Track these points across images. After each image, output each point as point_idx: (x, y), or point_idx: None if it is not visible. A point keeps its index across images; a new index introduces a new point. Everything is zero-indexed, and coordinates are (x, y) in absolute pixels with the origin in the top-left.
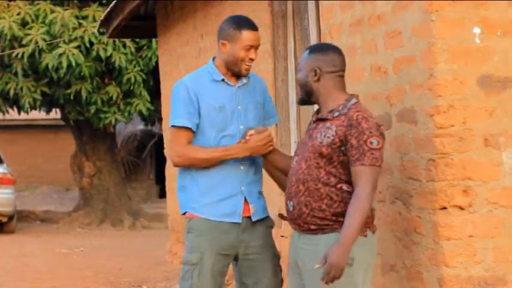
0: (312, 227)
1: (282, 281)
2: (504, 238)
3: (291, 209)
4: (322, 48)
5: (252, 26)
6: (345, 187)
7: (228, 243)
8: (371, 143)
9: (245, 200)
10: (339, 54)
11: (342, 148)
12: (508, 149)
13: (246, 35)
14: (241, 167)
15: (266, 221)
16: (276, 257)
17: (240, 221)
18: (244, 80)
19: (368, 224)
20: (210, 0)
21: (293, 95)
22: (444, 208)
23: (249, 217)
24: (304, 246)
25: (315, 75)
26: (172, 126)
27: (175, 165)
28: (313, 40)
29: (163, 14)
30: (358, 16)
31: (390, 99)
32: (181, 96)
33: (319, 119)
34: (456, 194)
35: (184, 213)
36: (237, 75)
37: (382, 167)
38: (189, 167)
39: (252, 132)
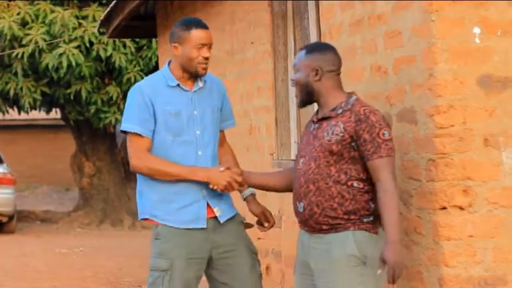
0: (324, 227)
1: (260, 275)
2: (504, 238)
3: (301, 210)
4: (320, 48)
5: (201, 25)
6: (355, 184)
7: (198, 247)
8: (383, 134)
9: (208, 204)
10: (336, 53)
11: (353, 144)
12: (508, 149)
13: (195, 33)
14: None
15: (235, 217)
16: (251, 251)
17: (205, 226)
18: (200, 84)
19: (379, 221)
20: (210, 0)
21: (293, 95)
22: (444, 208)
23: (215, 217)
24: (317, 245)
25: (316, 74)
26: (123, 131)
27: (133, 170)
28: (314, 40)
29: (163, 14)
30: (358, 16)
31: (390, 99)
32: (136, 101)
33: (322, 119)
34: (456, 194)
35: (143, 219)
36: (195, 78)
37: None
38: (146, 175)
39: (222, 168)
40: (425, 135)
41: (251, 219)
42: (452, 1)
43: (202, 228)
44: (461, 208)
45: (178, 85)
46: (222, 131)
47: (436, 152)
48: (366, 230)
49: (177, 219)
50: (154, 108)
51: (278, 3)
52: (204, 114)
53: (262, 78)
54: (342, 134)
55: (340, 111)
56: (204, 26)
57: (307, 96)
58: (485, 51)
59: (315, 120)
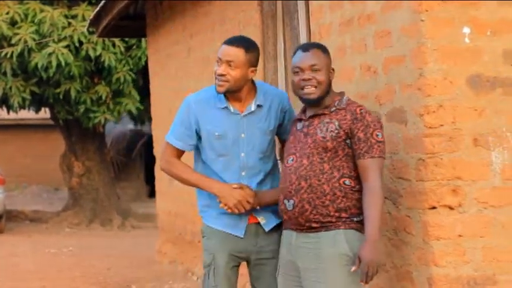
0: (314, 224)
1: None
2: (493, 238)
3: (291, 208)
4: (327, 49)
5: (228, 41)
6: (347, 182)
7: (241, 247)
8: (377, 135)
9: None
10: None
11: (347, 141)
12: (497, 148)
13: (220, 48)
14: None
15: (279, 225)
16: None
17: (242, 235)
18: (253, 108)
19: None
20: (199, 0)
21: None
22: (434, 208)
23: (259, 223)
24: (305, 244)
25: (332, 74)
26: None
27: (162, 170)
28: (303, 40)
29: (152, 13)
30: (347, 16)
31: (380, 99)
32: (182, 115)
33: (314, 116)
34: (446, 193)
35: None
36: (249, 97)
37: None
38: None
39: (236, 186)
40: (414, 135)
41: None
42: (442, 1)
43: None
44: (450, 208)
45: (226, 108)
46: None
47: (425, 152)
48: (356, 230)
49: (215, 221)
50: (199, 127)
51: (268, 3)
52: (252, 138)
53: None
54: (337, 131)
55: (333, 109)
56: (229, 43)
57: (323, 96)
58: (475, 51)
59: (304, 118)
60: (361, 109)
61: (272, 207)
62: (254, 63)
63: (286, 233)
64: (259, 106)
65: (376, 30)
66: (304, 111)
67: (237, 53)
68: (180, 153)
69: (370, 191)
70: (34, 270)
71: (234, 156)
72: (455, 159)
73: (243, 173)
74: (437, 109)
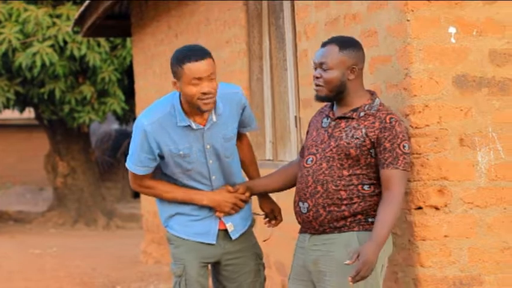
0: (328, 229)
1: (264, 279)
2: (479, 238)
3: (305, 211)
4: (354, 44)
5: (194, 57)
6: (366, 187)
7: (209, 253)
8: (403, 147)
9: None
10: (363, 49)
11: (371, 150)
12: (483, 148)
13: (189, 68)
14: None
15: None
16: (257, 256)
17: (214, 242)
18: (214, 119)
19: None
20: (184, 0)
21: (268, 93)
22: (419, 208)
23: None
24: (318, 247)
25: (352, 73)
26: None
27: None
28: (289, 39)
29: (137, 13)
30: (333, 15)
31: None
32: (140, 141)
33: (342, 117)
34: (432, 194)
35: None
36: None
37: None
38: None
39: (222, 189)
40: None
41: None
42: (428, 1)
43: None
44: (436, 208)
45: (189, 126)
46: (244, 133)
47: (411, 152)
48: (370, 231)
49: (185, 230)
50: (160, 149)
51: (253, 2)
52: (217, 145)
53: (238, 77)
54: (362, 139)
55: (362, 114)
56: (198, 57)
57: (336, 95)
58: (461, 51)
59: (332, 116)
60: (391, 117)
61: (241, 213)
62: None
63: (300, 237)
64: (219, 115)
65: (362, 29)
66: (332, 106)
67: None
68: (150, 175)
69: (389, 200)
70: (18, 270)
71: (201, 166)
72: (441, 159)
73: (214, 177)
74: (423, 109)
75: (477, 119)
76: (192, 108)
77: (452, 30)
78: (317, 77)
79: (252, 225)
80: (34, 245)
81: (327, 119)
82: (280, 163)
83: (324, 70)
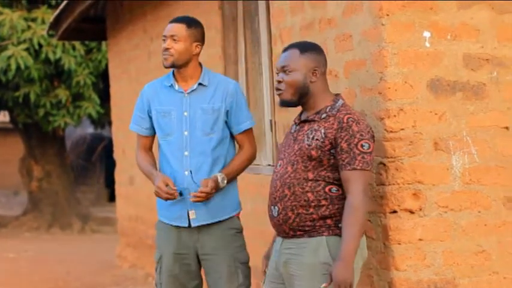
0: (298, 232)
1: (242, 285)
2: (453, 242)
3: (276, 214)
4: (315, 48)
5: (172, 20)
6: (334, 189)
7: (183, 243)
8: (362, 146)
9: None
10: (324, 53)
11: (332, 151)
12: (457, 152)
13: (165, 28)
14: (186, 173)
15: (226, 223)
16: (236, 260)
17: (187, 225)
18: (194, 86)
19: None
20: (160, 1)
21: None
22: (394, 212)
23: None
24: (289, 250)
25: (314, 75)
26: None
27: None
28: (264, 43)
29: (113, 16)
30: (308, 19)
31: None
32: (138, 101)
33: (305, 121)
34: (406, 197)
35: None
36: (195, 77)
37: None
38: None
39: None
40: (375, 139)
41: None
42: (403, 5)
43: (183, 228)
44: (411, 212)
45: (171, 85)
46: (241, 134)
47: (386, 156)
48: (340, 236)
49: (166, 214)
50: (150, 108)
51: (228, 6)
52: (195, 115)
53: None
54: (322, 140)
55: (324, 115)
56: (172, 20)
57: (299, 98)
58: (435, 55)
59: (297, 121)
60: (348, 117)
61: (209, 206)
62: (198, 39)
63: (276, 240)
64: (202, 85)
65: (337, 34)
66: (301, 113)
67: (180, 28)
68: (145, 142)
69: (349, 207)
70: None
71: (177, 135)
72: (415, 163)
73: (186, 153)
74: (397, 113)
75: (451, 123)
76: (179, 72)
77: (426, 34)
78: (279, 81)
79: (234, 228)
80: (9, 249)
81: (295, 125)
82: (255, 167)
83: (286, 73)
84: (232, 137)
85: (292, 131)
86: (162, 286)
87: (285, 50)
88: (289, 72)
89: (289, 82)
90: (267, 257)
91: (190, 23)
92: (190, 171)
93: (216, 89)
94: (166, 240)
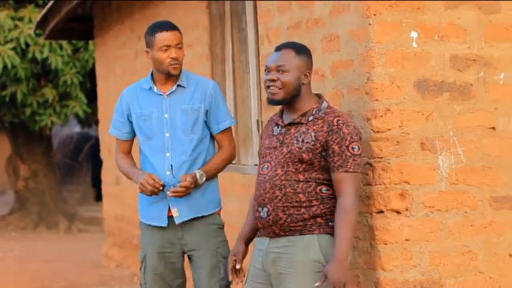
0: (289, 232)
1: (223, 279)
2: (440, 242)
3: (265, 215)
4: (307, 50)
5: (165, 27)
6: (324, 189)
7: (167, 241)
8: (352, 148)
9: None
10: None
11: (323, 153)
12: (444, 153)
13: (160, 37)
14: (167, 172)
15: (208, 219)
16: (218, 254)
17: (165, 225)
18: (173, 88)
19: None
20: (147, 1)
21: (231, 96)
22: (381, 212)
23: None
24: (278, 249)
25: (306, 77)
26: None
27: None
28: (251, 42)
29: (100, 15)
30: (296, 19)
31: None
32: (117, 105)
33: (291, 124)
34: (393, 197)
35: None
36: (176, 79)
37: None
38: None
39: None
40: (362, 139)
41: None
42: (390, 5)
43: (165, 227)
44: (397, 212)
45: (150, 88)
46: (220, 133)
47: (373, 156)
48: (331, 235)
49: (145, 215)
50: (130, 112)
51: (216, 5)
52: (175, 117)
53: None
54: (313, 143)
55: (311, 118)
56: (169, 28)
57: (290, 99)
58: (422, 55)
59: (281, 124)
60: (338, 120)
61: (190, 202)
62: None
63: (258, 240)
64: (181, 86)
65: (324, 34)
66: (281, 114)
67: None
68: (125, 145)
69: (341, 209)
70: None
71: (159, 138)
72: (402, 163)
73: (168, 154)
74: (384, 113)
75: (438, 123)
76: (160, 74)
77: (414, 34)
78: (273, 80)
79: (216, 224)
80: None
81: (277, 127)
82: (242, 167)
83: (281, 73)
84: (212, 136)
85: (276, 133)
86: (146, 286)
87: (279, 49)
88: (284, 72)
89: (285, 82)
90: (237, 254)
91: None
92: (172, 171)
93: (195, 90)
94: (149, 239)
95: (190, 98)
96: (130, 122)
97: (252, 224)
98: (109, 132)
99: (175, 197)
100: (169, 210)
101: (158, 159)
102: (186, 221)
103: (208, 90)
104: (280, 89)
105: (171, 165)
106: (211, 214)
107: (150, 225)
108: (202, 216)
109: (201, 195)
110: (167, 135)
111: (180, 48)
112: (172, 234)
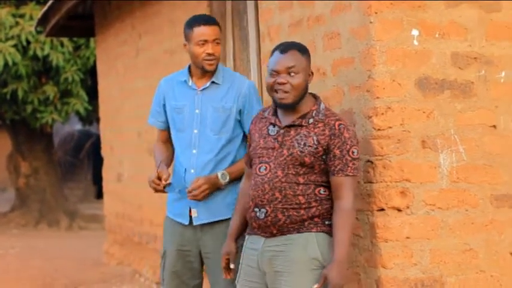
0: (286, 231)
1: None
2: (441, 240)
3: (262, 216)
4: (307, 49)
5: (203, 22)
6: (322, 191)
7: (186, 240)
8: (352, 152)
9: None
10: None
11: (324, 157)
12: (445, 151)
13: (197, 31)
14: (192, 171)
15: (228, 223)
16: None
17: (187, 223)
18: (207, 84)
19: None
20: (148, 0)
21: None
22: (382, 210)
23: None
24: (274, 248)
25: (310, 78)
26: None
27: None
28: (252, 40)
29: (101, 13)
30: (297, 17)
31: (329, 101)
32: (155, 94)
33: (290, 126)
34: (394, 195)
35: None
36: (211, 75)
37: None
38: None
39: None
40: (363, 137)
41: None
42: (391, 3)
43: (186, 225)
44: (398, 210)
45: (185, 81)
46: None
47: (374, 154)
48: (327, 233)
49: (171, 210)
50: (165, 103)
51: (217, 3)
52: (206, 115)
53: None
54: (315, 146)
55: (311, 120)
56: (206, 23)
57: (299, 101)
58: (423, 53)
59: (279, 124)
60: (339, 124)
61: (209, 204)
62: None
63: (252, 239)
64: (215, 83)
65: (325, 31)
66: (275, 113)
67: None
68: (163, 134)
69: (341, 211)
70: None
71: (188, 133)
72: (403, 161)
73: (194, 151)
74: (385, 111)
75: (439, 121)
76: (197, 69)
77: (415, 32)
78: (283, 83)
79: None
80: None
81: (274, 127)
82: None
83: (292, 75)
84: (245, 136)
85: (272, 133)
86: (164, 282)
87: (285, 51)
88: (295, 74)
89: (296, 85)
90: (230, 253)
91: None
92: (196, 169)
93: (229, 88)
94: (171, 236)
95: (223, 96)
96: (166, 112)
97: (240, 221)
98: (148, 122)
99: (192, 200)
100: (190, 210)
101: (185, 155)
102: (206, 223)
103: (243, 90)
104: (287, 92)
105: (196, 163)
106: (230, 218)
107: (174, 220)
108: (223, 220)
109: (222, 198)
110: (195, 131)
111: (218, 43)
112: (192, 233)
